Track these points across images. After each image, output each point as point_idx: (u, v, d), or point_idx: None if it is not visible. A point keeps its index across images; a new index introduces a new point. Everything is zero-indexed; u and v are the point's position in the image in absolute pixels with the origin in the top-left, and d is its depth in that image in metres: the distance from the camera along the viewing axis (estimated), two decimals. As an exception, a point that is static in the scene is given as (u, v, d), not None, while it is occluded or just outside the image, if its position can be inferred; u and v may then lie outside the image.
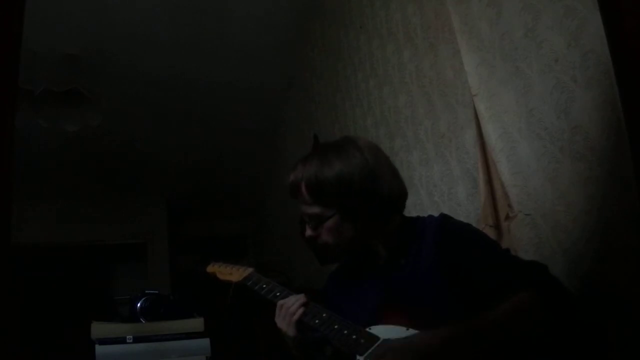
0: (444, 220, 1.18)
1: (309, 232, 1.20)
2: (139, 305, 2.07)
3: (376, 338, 1.05)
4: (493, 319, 0.97)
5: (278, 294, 1.23)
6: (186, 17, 3.09)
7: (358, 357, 1.04)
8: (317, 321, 1.13)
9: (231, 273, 1.39)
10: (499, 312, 0.97)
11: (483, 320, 0.97)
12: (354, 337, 1.07)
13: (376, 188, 1.13)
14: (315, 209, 1.16)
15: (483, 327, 0.96)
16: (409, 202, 2.00)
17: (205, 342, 1.99)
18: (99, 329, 1.91)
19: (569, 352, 0.99)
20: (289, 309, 1.16)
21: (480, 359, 0.95)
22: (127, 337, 1.91)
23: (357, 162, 1.13)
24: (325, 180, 1.13)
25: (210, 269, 1.47)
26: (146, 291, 2.14)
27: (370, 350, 1.03)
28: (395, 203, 1.18)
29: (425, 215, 1.24)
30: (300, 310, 1.15)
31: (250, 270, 1.35)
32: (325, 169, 1.14)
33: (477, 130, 1.53)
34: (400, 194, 1.19)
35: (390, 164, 1.21)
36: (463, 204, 1.68)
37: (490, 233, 1.42)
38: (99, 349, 1.88)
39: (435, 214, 1.23)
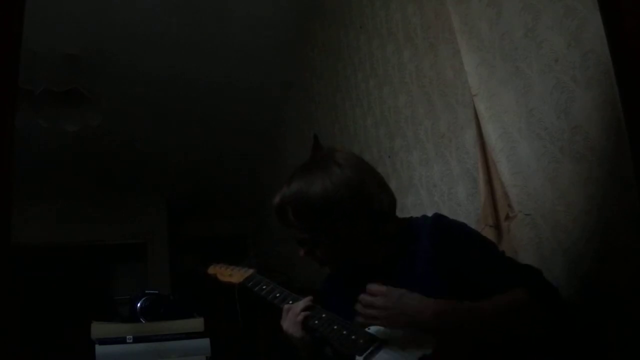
0: (439, 220, 1.17)
1: (302, 253, 1.19)
2: (139, 305, 2.06)
3: (375, 338, 1.05)
4: (487, 307, 0.97)
5: (278, 295, 1.24)
6: (186, 17, 3.09)
7: (357, 357, 1.04)
8: (316, 322, 1.13)
9: (232, 275, 1.39)
10: (492, 303, 0.98)
11: (477, 305, 0.98)
12: (352, 337, 1.07)
13: (364, 204, 1.12)
14: (304, 235, 1.16)
15: (477, 309, 0.97)
16: (409, 202, 1.99)
17: (205, 342, 1.99)
18: (99, 329, 1.91)
19: (560, 352, 1.00)
20: (295, 311, 1.17)
21: (468, 345, 0.96)
22: (127, 337, 1.91)
23: (341, 181, 1.11)
24: (311, 204, 1.11)
25: (211, 270, 1.47)
26: (146, 291, 2.14)
27: (368, 351, 1.03)
28: (386, 214, 1.17)
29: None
30: (305, 312, 1.16)
31: (251, 271, 1.36)
32: (310, 191, 1.11)
33: (477, 130, 1.53)
34: (390, 204, 1.17)
35: (376, 174, 1.20)
36: (463, 204, 1.67)
37: (490, 233, 1.42)
38: (99, 349, 1.88)
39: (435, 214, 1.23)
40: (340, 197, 1.10)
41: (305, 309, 1.16)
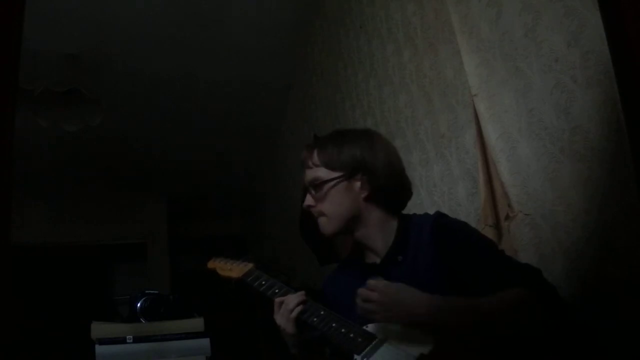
0: (440, 218, 1.18)
1: (308, 200, 1.22)
2: (139, 305, 2.06)
3: (373, 336, 1.05)
4: (485, 304, 0.98)
5: (277, 290, 1.23)
6: (186, 17, 3.09)
7: (356, 356, 1.04)
8: (315, 319, 1.13)
9: (231, 269, 1.38)
10: (491, 300, 0.98)
11: (475, 302, 0.98)
12: (351, 335, 1.07)
13: (377, 171, 1.18)
14: (321, 172, 1.20)
15: (475, 306, 0.98)
16: (409, 201, 2.00)
17: (205, 342, 1.98)
18: (98, 329, 1.90)
19: (559, 352, 1.00)
20: (288, 305, 1.16)
21: (466, 343, 0.96)
22: (127, 337, 1.91)
23: (367, 148, 1.20)
24: (337, 148, 1.20)
25: (210, 264, 1.46)
26: (146, 291, 2.13)
27: (367, 349, 1.03)
28: (391, 195, 1.20)
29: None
30: (299, 308, 1.15)
31: (250, 266, 1.35)
32: (339, 141, 1.21)
33: (477, 130, 1.53)
34: (396, 188, 1.21)
35: (400, 165, 1.25)
36: (463, 204, 1.68)
37: (490, 233, 1.43)
38: (99, 349, 1.87)
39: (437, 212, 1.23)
40: (365, 153, 1.18)
41: (298, 304, 1.16)
